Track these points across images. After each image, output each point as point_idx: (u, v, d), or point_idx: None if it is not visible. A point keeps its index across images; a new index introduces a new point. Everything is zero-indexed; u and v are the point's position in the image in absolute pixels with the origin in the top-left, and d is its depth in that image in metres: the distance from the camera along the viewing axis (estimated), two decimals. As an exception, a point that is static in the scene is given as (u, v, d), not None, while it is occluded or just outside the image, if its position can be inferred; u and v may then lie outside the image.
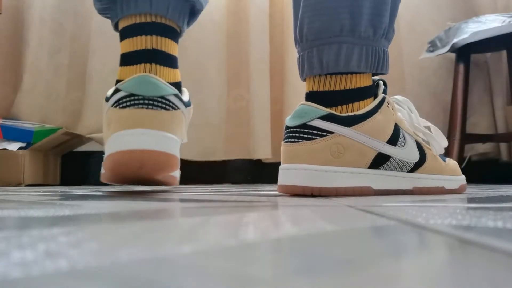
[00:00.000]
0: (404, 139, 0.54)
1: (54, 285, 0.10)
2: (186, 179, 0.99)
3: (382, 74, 0.56)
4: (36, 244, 0.16)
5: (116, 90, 0.52)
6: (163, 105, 0.51)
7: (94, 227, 0.22)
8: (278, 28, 1.48)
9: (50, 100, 1.44)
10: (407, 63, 1.47)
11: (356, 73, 0.54)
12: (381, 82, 0.56)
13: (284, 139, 0.54)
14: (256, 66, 1.42)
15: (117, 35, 0.60)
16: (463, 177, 0.62)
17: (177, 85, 0.57)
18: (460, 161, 1.28)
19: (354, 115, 0.51)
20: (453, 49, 1.28)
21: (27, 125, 1.30)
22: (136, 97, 0.51)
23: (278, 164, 0.55)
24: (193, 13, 0.60)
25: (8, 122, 1.29)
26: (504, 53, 1.40)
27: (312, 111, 0.51)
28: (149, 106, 0.50)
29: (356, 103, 0.53)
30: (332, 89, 0.54)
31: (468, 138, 1.31)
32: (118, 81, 0.56)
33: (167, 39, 0.56)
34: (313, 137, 0.51)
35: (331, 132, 0.50)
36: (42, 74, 1.43)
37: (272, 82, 1.45)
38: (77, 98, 1.46)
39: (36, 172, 1.26)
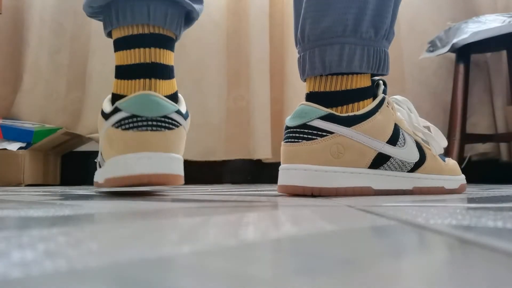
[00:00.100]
0: (404, 139, 0.54)
1: (54, 285, 0.10)
2: (186, 179, 0.99)
3: (382, 75, 0.56)
4: (36, 244, 0.16)
5: (116, 109, 0.51)
6: (167, 125, 0.51)
7: (94, 227, 0.22)
8: (278, 28, 1.48)
9: (50, 100, 1.44)
10: (407, 63, 1.47)
11: (356, 73, 0.54)
12: (381, 82, 0.56)
13: (284, 139, 0.54)
14: (256, 66, 1.42)
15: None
16: (463, 176, 0.62)
17: (174, 96, 0.56)
18: (460, 161, 1.28)
19: (354, 115, 0.51)
20: (453, 49, 1.28)
21: (27, 125, 1.30)
22: (139, 118, 0.50)
23: (278, 164, 0.55)
24: (188, 20, 0.58)
25: (8, 122, 1.29)
26: (504, 53, 1.40)
27: (312, 111, 0.51)
28: (153, 128, 0.50)
29: (356, 104, 0.53)
30: (332, 89, 0.54)
31: (468, 138, 1.31)
32: (114, 95, 0.54)
33: (165, 50, 0.55)
34: (313, 137, 0.51)
35: (331, 132, 0.50)
36: (42, 74, 1.43)
37: (272, 82, 1.45)
38: (77, 98, 1.46)
39: (36, 172, 1.26)
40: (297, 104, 1.29)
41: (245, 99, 1.46)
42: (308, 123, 0.51)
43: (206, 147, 1.41)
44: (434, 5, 1.51)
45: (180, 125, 0.52)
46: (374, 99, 0.55)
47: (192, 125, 1.33)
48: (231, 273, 0.11)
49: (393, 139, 0.53)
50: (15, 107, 1.42)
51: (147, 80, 0.53)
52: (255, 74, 1.42)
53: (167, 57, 0.55)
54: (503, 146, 1.42)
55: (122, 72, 0.54)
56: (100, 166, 0.55)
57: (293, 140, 0.52)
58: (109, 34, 0.57)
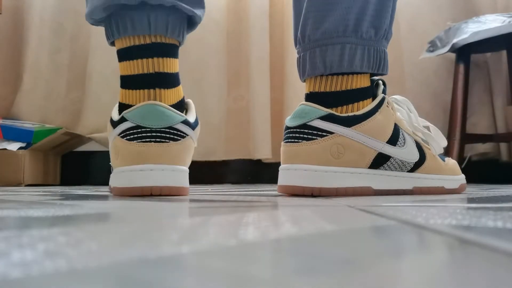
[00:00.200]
0: (404, 139, 0.54)
1: (54, 285, 0.10)
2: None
3: (382, 74, 0.56)
4: (36, 244, 0.16)
5: (122, 119, 0.51)
6: (172, 136, 0.51)
7: (94, 227, 0.22)
8: (278, 28, 1.48)
9: (50, 100, 1.44)
10: (407, 63, 1.47)
11: (356, 73, 0.54)
12: (380, 82, 0.56)
13: (284, 140, 0.53)
14: (256, 66, 1.42)
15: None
16: (463, 176, 0.62)
17: (181, 103, 0.56)
18: (460, 161, 1.28)
19: (354, 115, 0.51)
20: (453, 49, 1.28)
21: (27, 125, 1.30)
22: (143, 129, 0.50)
23: (278, 164, 0.55)
24: (191, 24, 0.58)
25: (8, 122, 1.29)
26: (504, 53, 1.40)
27: (312, 111, 0.51)
28: (157, 140, 0.50)
29: (355, 104, 0.53)
30: (332, 90, 0.54)
31: (468, 138, 1.31)
32: (121, 104, 0.55)
33: (168, 58, 0.54)
34: (313, 137, 0.51)
35: (331, 132, 0.50)
36: (42, 74, 1.43)
37: (272, 82, 1.45)
38: (77, 98, 1.46)
39: (36, 172, 1.26)
40: (297, 104, 1.29)
41: (245, 99, 1.46)
42: (308, 123, 0.51)
43: (206, 147, 1.41)
44: (434, 5, 1.51)
45: (186, 135, 0.52)
46: (373, 99, 0.55)
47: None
48: (231, 273, 0.11)
49: (393, 139, 0.53)
50: (15, 107, 1.42)
51: (151, 90, 0.53)
52: (255, 74, 1.42)
53: (171, 65, 0.55)
54: (503, 146, 1.42)
55: (127, 82, 0.55)
56: (112, 171, 0.56)
57: (293, 140, 0.52)
58: (112, 43, 0.57)
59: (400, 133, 0.54)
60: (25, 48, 1.44)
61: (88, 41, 1.43)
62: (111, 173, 0.57)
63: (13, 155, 1.19)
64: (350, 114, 0.52)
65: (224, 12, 1.48)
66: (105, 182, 0.65)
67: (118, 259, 0.13)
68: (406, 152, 0.54)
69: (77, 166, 1.47)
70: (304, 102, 0.53)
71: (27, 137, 1.24)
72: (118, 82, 0.57)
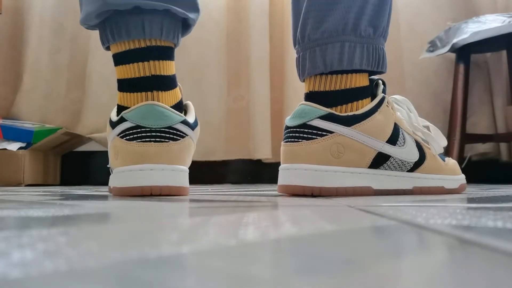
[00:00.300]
0: (404, 139, 0.55)
1: (53, 285, 0.10)
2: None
3: (381, 72, 0.56)
4: (36, 244, 0.16)
5: (122, 119, 0.51)
6: (171, 136, 0.51)
7: (94, 227, 0.22)
8: (278, 28, 1.48)
9: (50, 100, 1.44)
10: (407, 63, 1.47)
11: (356, 72, 0.54)
12: (380, 81, 0.56)
13: (284, 139, 0.53)
14: (256, 66, 1.42)
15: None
16: (463, 176, 0.62)
17: (179, 105, 0.56)
18: (460, 161, 1.28)
19: (354, 114, 0.51)
20: (453, 49, 1.28)
21: (27, 125, 1.30)
22: (143, 129, 0.50)
23: (278, 164, 0.55)
24: (185, 27, 0.58)
25: (8, 122, 1.29)
26: (504, 53, 1.40)
27: (312, 111, 0.51)
28: (157, 139, 0.50)
29: (355, 103, 0.53)
30: (332, 89, 0.54)
31: (468, 138, 1.31)
32: (119, 106, 0.55)
33: (164, 61, 0.54)
34: (313, 137, 0.51)
35: (331, 132, 0.50)
36: (42, 74, 1.43)
37: (272, 82, 1.45)
38: (77, 98, 1.46)
39: (36, 172, 1.26)
40: (297, 104, 1.29)
41: (245, 99, 1.46)
42: (308, 123, 0.51)
43: (206, 147, 1.41)
44: (434, 5, 1.51)
45: (186, 135, 0.52)
46: (372, 98, 0.55)
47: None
48: (231, 273, 0.11)
49: (393, 139, 0.53)
50: (15, 107, 1.42)
51: (149, 93, 0.53)
52: (255, 73, 1.42)
53: (167, 68, 0.55)
54: (503, 146, 1.42)
55: (124, 86, 0.55)
56: (111, 172, 0.56)
57: (293, 140, 0.52)
58: (107, 48, 0.57)
59: (400, 133, 0.54)
60: (25, 48, 1.44)
61: (88, 41, 1.43)
62: (110, 173, 0.57)
63: (13, 155, 1.19)
64: (350, 113, 0.52)
65: (224, 11, 1.47)
66: (105, 182, 0.65)
67: (118, 259, 0.13)
68: (406, 152, 0.54)
69: (77, 166, 1.47)
70: (303, 102, 0.53)
71: (27, 137, 1.24)
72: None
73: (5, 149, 1.20)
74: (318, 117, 0.51)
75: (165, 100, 0.54)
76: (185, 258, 0.14)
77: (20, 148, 1.21)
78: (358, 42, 0.53)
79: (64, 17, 1.46)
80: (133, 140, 0.50)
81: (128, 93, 0.54)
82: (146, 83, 0.53)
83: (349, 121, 0.51)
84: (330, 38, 0.53)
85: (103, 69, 1.39)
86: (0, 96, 1.45)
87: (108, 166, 0.58)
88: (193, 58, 1.43)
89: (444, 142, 0.59)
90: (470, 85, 1.37)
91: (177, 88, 0.57)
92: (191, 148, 0.55)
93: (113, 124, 0.53)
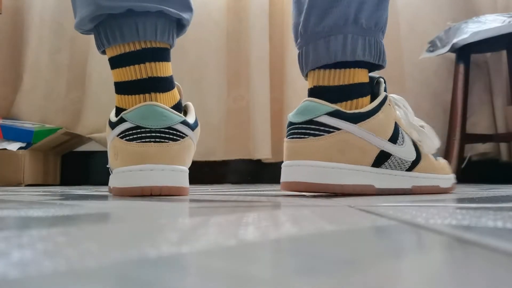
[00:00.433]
0: (403, 138, 0.55)
1: (53, 285, 0.10)
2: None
3: (381, 67, 0.56)
4: (36, 244, 0.16)
5: (121, 120, 0.51)
6: (171, 136, 0.51)
7: (94, 227, 0.22)
8: (278, 28, 1.48)
9: (50, 100, 1.44)
10: (407, 63, 1.47)
11: (358, 67, 0.54)
12: (381, 80, 0.56)
13: (288, 136, 0.53)
14: (256, 66, 1.42)
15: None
16: (453, 175, 0.63)
17: (178, 105, 0.56)
18: (460, 161, 1.28)
19: (359, 112, 0.51)
20: (453, 49, 1.28)
21: (27, 125, 1.30)
22: (142, 130, 0.50)
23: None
24: (180, 27, 0.58)
25: (8, 122, 1.29)
26: (504, 53, 1.40)
27: (318, 107, 0.51)
28: (157, 140, 0.50)
29: (355, 100, 0.54)
30: (336, 83, 0.54)
31: (468, 138, 1.31)
32: (118, 108, 0.55)
33: (160, 62, 0.54)
34: (320, 133, 0.50)
35: (338, 129, 0.50)
36: (42, 74, 1.43)
37: (272, 82, 1.45)
38: (77, 98, 1.46)
39: (36, 172, 1.26)
40: (297, 103, 1.29)
41: (245, 99, 1.46)
42: (314, 119, 0.51)
43: (206, 147, 1.41)
44: (434, 5, 1.51)
45: (186, 136, 0.52)
46: (372, 96, 0.55)
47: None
48: (231, 273, 0.11)
49: (394, 137, 0.54)
50: (15, 107, 1.42)
51: (147, 95, 0.53)
52: (255, 73, 1.42)
53: (164, 69, 0.55)
54: (503, 146, 1.42)
55: (121, 88, 0.55)
56: (111, 172, 0.56)
57: (299, 136, 0.51)
58: (103, 52, 0.57)
59: (400, 132, 0.55)
60: (25, 48, 1.44)
61: (88, 41, 1.43)
62: (110, 174, 0.57)
63: (13, 155, 1.19)
64: (356, 111, 0.52)
65: (224, 12, 1.47)
66: (105, 182, 0.65)
67: (118, 259, 0.13)
68: (405, 151, 0.55)
69: (77, 166, 1.47)
70: (308, 98, 0.53)
71: (27, 137, 1.24)
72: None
73: (5, 149, 1.20)
74: (325, 114, 0.50)
75: (163, 101, 0.54)
76: (185, 258, 0.14)
77: (20, 148, 1.21)
78: (360, 34, 0.54)
79: (64, 17, 1.46)
80: (133, 141, 0.50)
81: (126, 96, 0.54)
82: (143, 85, 0.53)
83: (355, 119, 0.51)
84: (332, 31, 0.54)
85: (103, 69, 1.39)
86: (0, 96, 1.45)
87: (107, 166, 0.58)
88: (192, 58, 1.43)
89: (438, 143, 0.60)
90: (470, 85, 1.37)
91: (175, 89, 0.57)
92: (191, 149, 0.55)
93: (113, 125, 0.53)
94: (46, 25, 1.45)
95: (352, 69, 0.54)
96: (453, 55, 1.36)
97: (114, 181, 0.52)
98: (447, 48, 1.27)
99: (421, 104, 1.46)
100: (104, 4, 0.51)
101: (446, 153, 1.32)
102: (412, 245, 0.16)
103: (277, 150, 1.41)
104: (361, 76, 0.55)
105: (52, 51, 1.45)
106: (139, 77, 0.54)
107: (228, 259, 0.13)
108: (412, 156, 0.56)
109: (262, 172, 1.47)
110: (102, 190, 0.75)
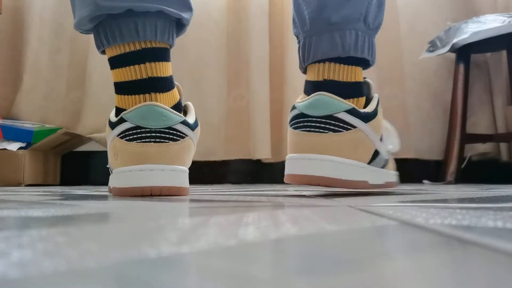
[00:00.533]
0: (383, 136, 0.57)
1: (53, 285, 0.10)
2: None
3: (369, 67, 0.58)
4: (36, 244, 0.16)
5: (121, 120, 0.51)
6: (171, 136, 0.51)
7: (94, 227, 0.22)
8: (278, 28, 1.48)
9: (50, 100, 1.44)
10: (407, 63, 1.47)
11: (358, 65, 0.55)
12: (370, 81, 0.58)
13: (300, 128, 0.52)
14: (256, 66, 1.42)
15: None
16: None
17: (178, 105, 0.56)
18: (460, 161, 1.28)
19: (368, 112, 0.53)
20: (453, 49, 1.28)
21: (27, 125, 1.30)
22: (143, 130, 0.50)
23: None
24: (179, 27, 0.58)
25: (8, 122, 1.29)
26: (504, 53, 1.40)
27: (336, 103, 0.51)
28: (157, 140, 0.50)
29: (359, 99, 0.55)
30: (345, 80, 0.55)
31: (468, 138, 1.31)
32: (118, 108, 0.55)
33: (160, 62, 0.54)
34: (340, 129, 0.51)
35: (354, 127, 0.51)
36: (42, 74, 1.43)
37: (272, 82, 1.45)
38: (77, 98, 1.46)
39: (36, 172, 1.26)
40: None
41: (245, 99, 1.46)
42: (334, 115, 0.51)
43: (206, 147, 1.41)
44: (434, 5, 1.51)
45: (186, 136, 0.52)
46: (366, 97, 0.57)
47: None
48: (231, 273, 0.11)
49: (381, 136, 0.56)
50: (15, 107, 1.42)
51: (147, 95, 0.53)
52: (254, 73, 1.42)
53: (164, 69, 0.55)
54: (503, 146, 1.42)
55: (121, 89, 0.55)
56: (111, 173, 0.56)
57: (317, 130, 0.51)
58: (102, 52, 0.57)
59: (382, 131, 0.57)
60: (25, 48, 1.43)
61: (88, 41, 1.42)
62: (110, 174, 0.57)
63: (13, 155, 1.19)
64: (365, 110, 0.53)
65: (224, 11, 1.47)
66: (105, 182, 0.65)
67: (118, 259, 0.13)
68: (385, 149, 0.57)
69: (77, 166, 1.47)
70: (321, 92, 0.52)
71: (27, 137, 1.24)
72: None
73: (5, 149, 1.20)
74: (344, 111, 0.51)
75: (163, 101, 0.54)
76: (185, 258, 0.14)
77: (20, 148, 1.21)
78: (366, 33, 0.55)
79: (64, 17, 1.46)
80: (133, 141, 0.50)
81: (126, 96, 0.54)
82: (143, 85, 0.53)
83: (367, 118, 0.52)
84: (348, 24, 0.54)
85: (103, 69, 1.39)
86: (0, 96, 1.45)
87: (107, 166, 0.58)
88: (192, 58, 1.43)
89: (399, 145, 0.61)
90: (470, 85, 1.37)
91: (175, 89, 0.57)
92: (191, 149, 0.55)
93: (113, 125, 0.53)
94: (46, 25, 1.45)
95: (355, 67, 0.55)
96: (453, 55, 1.36)
97: (114, 181, 0.52)
98: (447, 48, 1.27)
99: (421, 104, 1.46)
100: (103, 4, 0.51)
101: (446, 153, 1.32)
102: (412, 245, 0.16)
103: (277, 150, 1.41)
104: (360, 74, 0.56)
105: (52, 51, 1.45)
106: (139, 77, 0.53)
107: (228, 259, 0.13)
108: (387, 154, 0.58)
109: (262, 172, 1.47)
110: (102, 190, 0.75)
